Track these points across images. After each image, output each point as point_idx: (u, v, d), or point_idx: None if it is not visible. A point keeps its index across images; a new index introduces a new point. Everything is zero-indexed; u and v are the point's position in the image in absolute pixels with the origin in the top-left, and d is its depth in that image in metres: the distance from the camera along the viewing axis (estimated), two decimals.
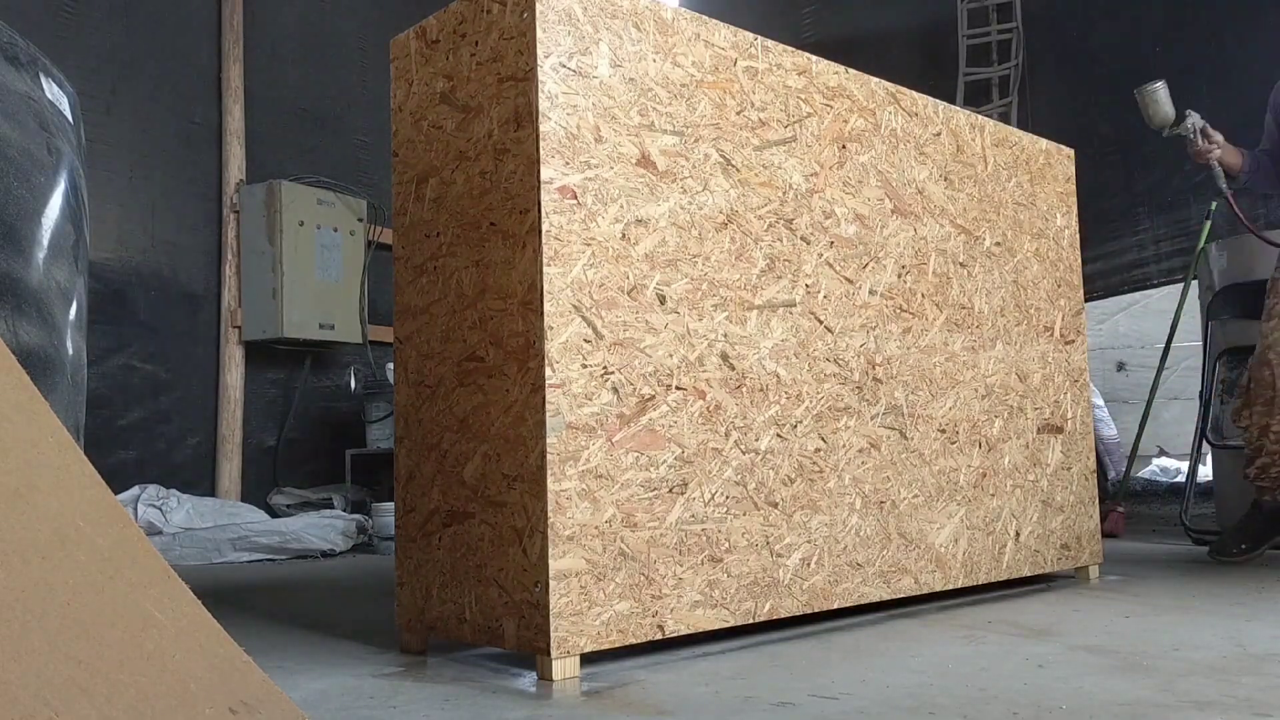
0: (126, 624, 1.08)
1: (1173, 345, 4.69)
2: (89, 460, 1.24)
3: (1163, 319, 6.06)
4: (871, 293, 2.46)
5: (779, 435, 2.21)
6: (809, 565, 2.23)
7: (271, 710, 1.16)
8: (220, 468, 5.32)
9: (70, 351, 1.75)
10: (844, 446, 2.35)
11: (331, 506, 5.23)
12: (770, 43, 2.31)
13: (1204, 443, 4.18)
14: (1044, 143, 3.11)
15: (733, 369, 2.13)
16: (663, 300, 2.02)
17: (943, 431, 2.61)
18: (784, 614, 2.16)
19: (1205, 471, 4.98)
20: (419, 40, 2.19)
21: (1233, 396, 3.51)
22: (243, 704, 1.13)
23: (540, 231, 1.84)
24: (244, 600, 3.08)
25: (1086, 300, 4.67)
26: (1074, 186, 3.21)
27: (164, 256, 5.26)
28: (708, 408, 2.07)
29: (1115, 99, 5.44)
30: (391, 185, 2.26)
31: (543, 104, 1.87)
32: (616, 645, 1.88)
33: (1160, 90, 3.37)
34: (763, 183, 2.24)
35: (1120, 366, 8.33)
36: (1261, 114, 3.58)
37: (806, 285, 2.31)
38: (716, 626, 2.04)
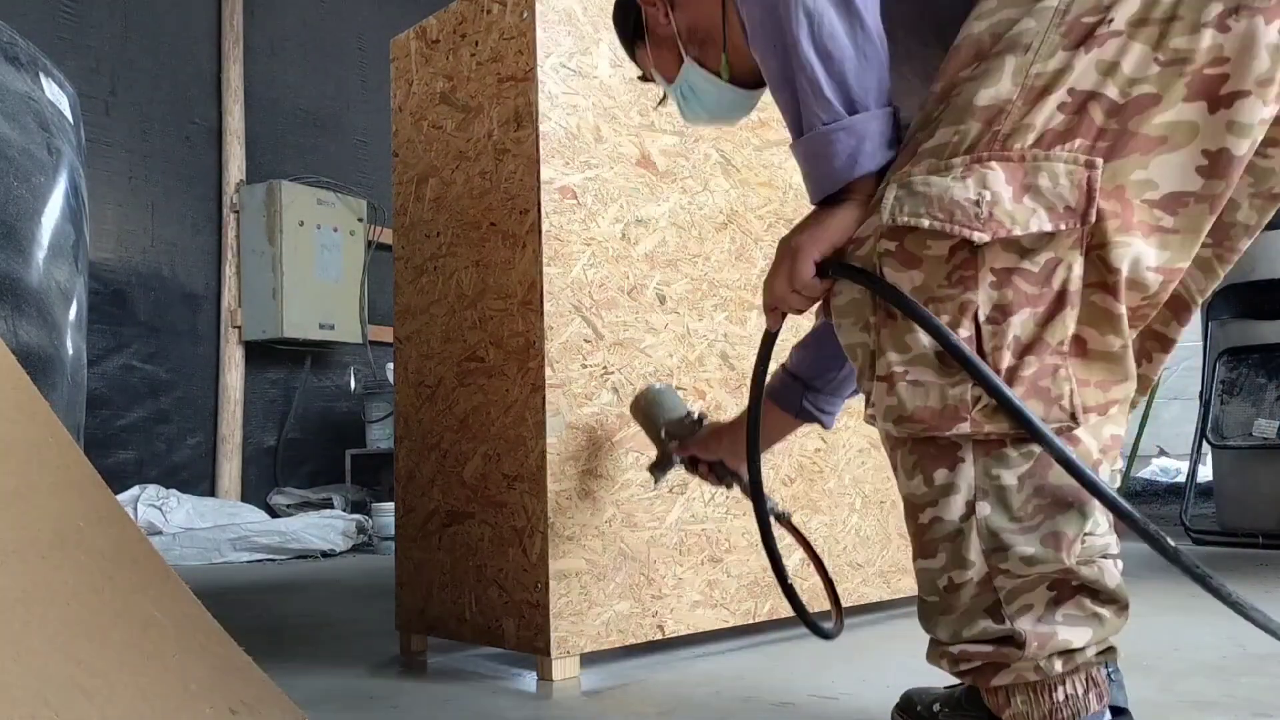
0: (126, 624, 1.08)
1: None
2: (89, 460, 1.24)
3: None
4: None
5: None
6: (809, 565, 2.23)
7: (271, 710, 1.16)
8: (220, 468, 5.33)
9: (70, 351, 1.75)
10: (844, 446, 2.35)
11: (331, 506, 5.23)
12: None
13: (1204, 443, 4.18)
14: None
15: (733, 369, 2.13)
16: (663, 300, 2.02)
17: None
18: (784, 614, 2.16)
19: (1205, 471, 4.98)
20: (419, 40, 2.18)
21: (1233, 396, 3.45)
22: (243, 704, 1.13)
23: (540, 231, 1.84)
24: (244, 600, 3.08)
25: None
26: None
27: (164, 256, 5.26)
28: (708, 408, 2.07)
29: None
30: (391, 185, 2.26)
31: (543, 104, 1.87)
32: (616, 645, 1.88)
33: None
34: (763, 182, 2.24)
35: None
36: None
37: None
38: (716, 626, 2.04)
